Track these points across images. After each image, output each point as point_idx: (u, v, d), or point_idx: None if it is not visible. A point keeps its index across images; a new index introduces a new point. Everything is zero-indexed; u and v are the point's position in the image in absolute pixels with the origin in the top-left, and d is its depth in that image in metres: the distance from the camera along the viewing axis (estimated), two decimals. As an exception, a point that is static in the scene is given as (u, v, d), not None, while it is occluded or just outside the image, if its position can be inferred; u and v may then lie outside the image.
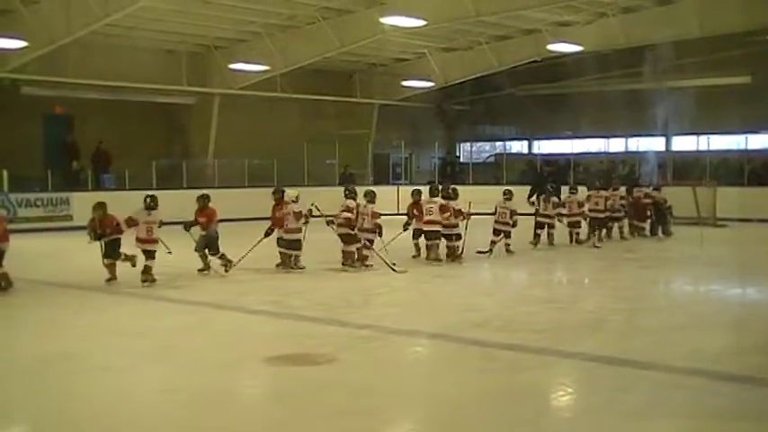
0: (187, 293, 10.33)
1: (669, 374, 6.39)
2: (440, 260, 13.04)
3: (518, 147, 32.02)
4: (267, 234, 12.15)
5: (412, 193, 13.89)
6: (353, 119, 28.07)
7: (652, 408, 5.54)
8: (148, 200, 11.08)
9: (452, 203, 13.17)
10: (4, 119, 19.66)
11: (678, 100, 19.04)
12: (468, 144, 31.84)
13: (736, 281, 11.92)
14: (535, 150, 30.77)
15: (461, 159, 31.09)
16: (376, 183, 26.29)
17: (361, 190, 13.05)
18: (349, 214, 12.28)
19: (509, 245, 14.17)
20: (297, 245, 12.23)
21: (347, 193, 12.74)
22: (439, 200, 13.15)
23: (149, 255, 10.91)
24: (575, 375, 6.63)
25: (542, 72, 26.33)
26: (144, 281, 10.74)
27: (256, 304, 9.60)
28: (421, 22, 19.15)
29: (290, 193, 12.75)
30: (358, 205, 12.56)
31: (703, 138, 24.86)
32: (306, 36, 21.94)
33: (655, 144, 24.79)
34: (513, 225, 14.16)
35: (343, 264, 12.26)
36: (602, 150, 27.67)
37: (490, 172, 27.00)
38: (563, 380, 6.50)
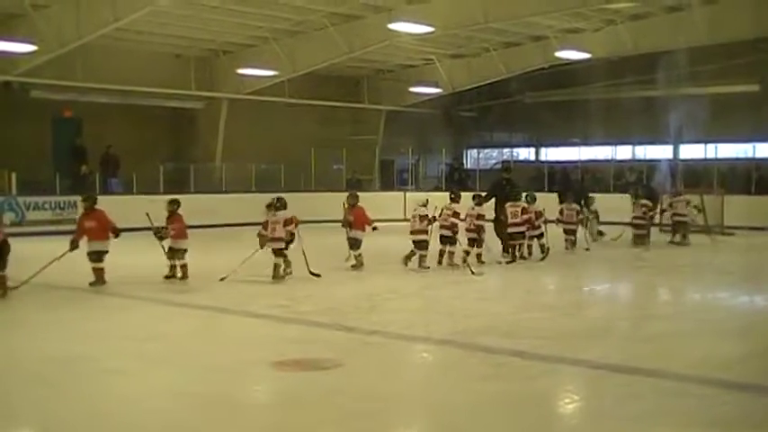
0: (195, 297, 10.34)
1: (675, 382, 6.38)
2: (525, 258, 14.04)
3: (525, 153, 32.02)
4: (72, 247, 10.86)
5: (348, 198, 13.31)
6: (361, 124, 28.14)
7: (658, 415, 5.53)
8: (275, 200, 11.61)
9: (533, 208, 14.20)
10: (14, 122, 19.80)
11: (686, 108, 18.97)
12: (476, 151, 31.85)
13: (743, 288, 11.89)
14: (543, 157, 30.74)
15: (468, 166, 31.08)
16: (383, 188, 26.31)
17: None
18: (456, 220, 12.98)
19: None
20: (424, 245, 12.72)
21: (453, 196, 13.52)
22: (523, 203, 14.05)
23: (277, 253, 11.32)
24: (581, 382, 6.62)
25: (551, 79, 26.32)
26: (274, 277, 11.24)
27: (264, 309, 9.59)
28: (429, 29, 19.15)
29: (419, 197, 13.99)
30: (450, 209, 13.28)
31: (711, 145, 24.82)
32: (314, 42, 22.00)
33: (663, 152, 24.75)
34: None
35: (440, 263, 12.94)
36: (611, 158, 27.62)
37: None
38: (569, 387, 6.48)
